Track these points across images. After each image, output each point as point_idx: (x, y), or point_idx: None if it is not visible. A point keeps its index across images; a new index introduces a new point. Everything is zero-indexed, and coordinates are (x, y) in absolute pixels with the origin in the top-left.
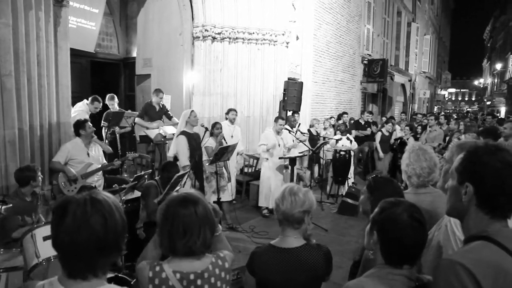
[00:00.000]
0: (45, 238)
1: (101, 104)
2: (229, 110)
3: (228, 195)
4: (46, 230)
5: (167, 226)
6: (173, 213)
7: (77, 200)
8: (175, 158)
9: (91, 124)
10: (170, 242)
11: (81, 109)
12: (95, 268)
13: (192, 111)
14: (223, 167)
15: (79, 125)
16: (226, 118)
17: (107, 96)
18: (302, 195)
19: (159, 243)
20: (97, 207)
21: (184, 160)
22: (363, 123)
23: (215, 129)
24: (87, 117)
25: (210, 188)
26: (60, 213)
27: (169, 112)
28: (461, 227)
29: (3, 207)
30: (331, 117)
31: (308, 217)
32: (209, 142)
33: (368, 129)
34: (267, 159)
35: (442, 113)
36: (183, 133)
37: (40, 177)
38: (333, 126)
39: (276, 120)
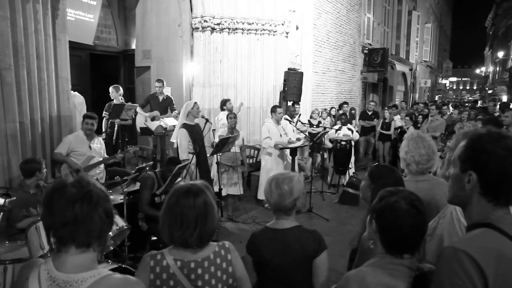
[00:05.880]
0: None
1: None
2: (226, 101)
3: (237, 189)
4: None
5: (167, 215)
6: (173, 203)
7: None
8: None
9: (92, 121)
10: (169, 231)
11: None
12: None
13: (195, 103)
14: (238, 160)
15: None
16: (223, 109)
17: (112, 86)
18: (287, 187)
19: (160, 231)
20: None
21: (183, 154)
22: (370, 113)
23: (229, 119)
24: None
25: (229, 180)
26: (60, 187)
27: (173, 105)
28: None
29: (7, 200)
30: (331, 108)
31: (299, 200)
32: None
33: (375, 119)
34: (270, 153)
35: (440, 101)
36: (184, 126)
37: (44, 170)
38: (334, 116)
39: (273, 109)
